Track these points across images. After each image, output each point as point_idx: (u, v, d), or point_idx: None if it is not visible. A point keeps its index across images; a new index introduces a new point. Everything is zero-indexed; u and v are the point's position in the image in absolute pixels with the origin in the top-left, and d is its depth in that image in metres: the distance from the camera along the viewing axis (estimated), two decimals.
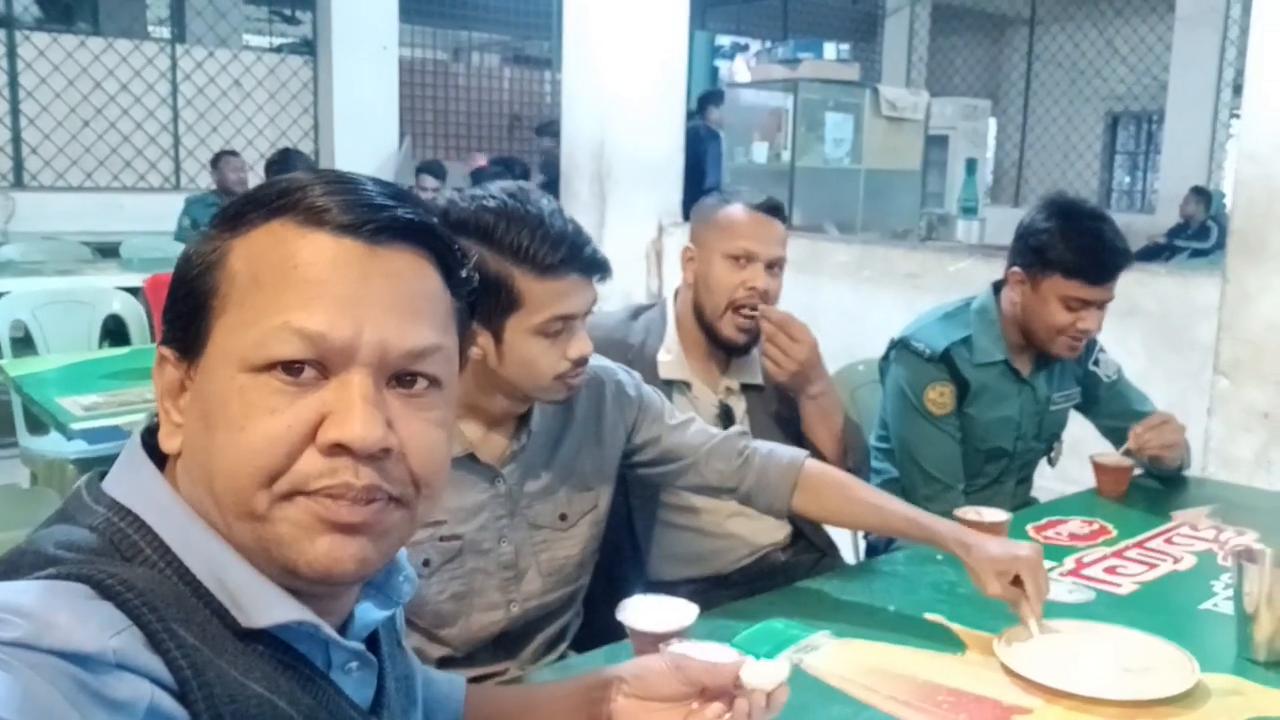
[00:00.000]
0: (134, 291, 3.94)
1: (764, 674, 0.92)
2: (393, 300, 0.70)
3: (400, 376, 0.71)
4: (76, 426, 2.35)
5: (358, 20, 7.41)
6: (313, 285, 0.68)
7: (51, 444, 3.02)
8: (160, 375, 0.72)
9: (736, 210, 1.88)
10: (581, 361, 1.40)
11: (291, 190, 0.70)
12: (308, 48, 7.82)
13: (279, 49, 8.13)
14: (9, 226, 5.93)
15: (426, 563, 1.41)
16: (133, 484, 0.71)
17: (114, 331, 3.84)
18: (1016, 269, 2.05)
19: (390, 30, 7.73)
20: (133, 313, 3.76)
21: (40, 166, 6.82)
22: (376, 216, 0.70)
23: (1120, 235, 2.01)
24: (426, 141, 8.67)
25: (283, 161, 5.69)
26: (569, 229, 1.36)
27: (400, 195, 0.73)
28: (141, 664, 0.62)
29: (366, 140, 7.59)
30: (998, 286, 2.15)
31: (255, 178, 6.93)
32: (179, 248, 0.75)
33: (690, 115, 6.42)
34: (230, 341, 0.69)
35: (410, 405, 0.71)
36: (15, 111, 6.71)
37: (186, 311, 0.70)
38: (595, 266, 1.39)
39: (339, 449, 0.68)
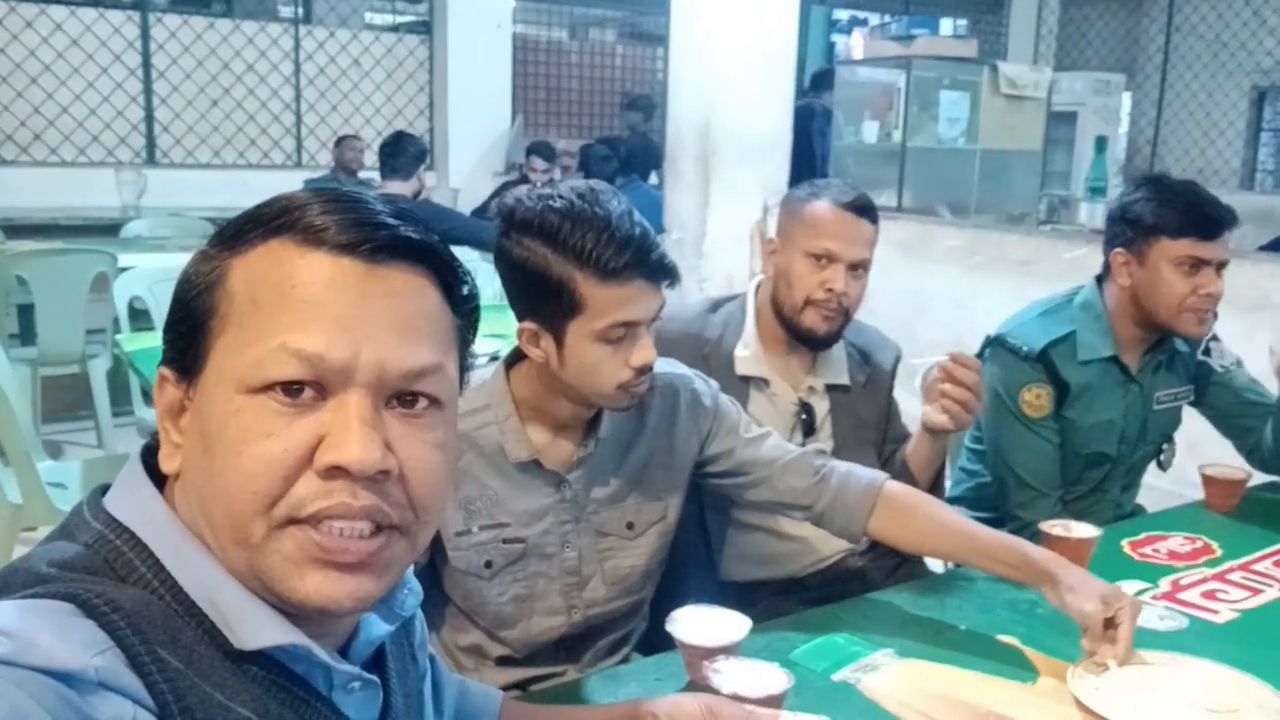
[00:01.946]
0: None
1: None
2: (392, 320, 0.69)
3: (400, 396, 0.70)
4: None
5: None
6: (310, 306, 0.68)
7: None
8: (160, 395, 0.72)
9: (823, 207, 1.80)
10: (644, 370, 1.36)
11: (290, 209, 0.70)
12: (425, 27, 7.94)
13: (397, 28, 8.28)
14: (140, 202, 6.18)
15: (489, 564, 1.41)
16: (132, 502, 0.71)
17: None
18: (1119, 250, 1.96)
19: (505, 8, 7.79)
20: None
21: (171, 144, 7.09)
22: (375, 236, 0.69)
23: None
24: (538, 120, 8.70)
25: (395, 144, 5.76)
26: (635, 232, 1.31)
27: (400, 214, 0.72)
28: (123, 684, 0.61)
29: (479, 119, 7.68)
30: (1100, 280, 2.04)
31: (372, 156, 7.08)
32: None
33: (804, 93, 6.26)
34: (228, 362, 0.68)
35: (410, 426, 0.70)
36: (148, 91, 6.99)
37: (186, 332, 0.70)
38: (662, 272, 1.34)
39: (336, 471, 0.67)
